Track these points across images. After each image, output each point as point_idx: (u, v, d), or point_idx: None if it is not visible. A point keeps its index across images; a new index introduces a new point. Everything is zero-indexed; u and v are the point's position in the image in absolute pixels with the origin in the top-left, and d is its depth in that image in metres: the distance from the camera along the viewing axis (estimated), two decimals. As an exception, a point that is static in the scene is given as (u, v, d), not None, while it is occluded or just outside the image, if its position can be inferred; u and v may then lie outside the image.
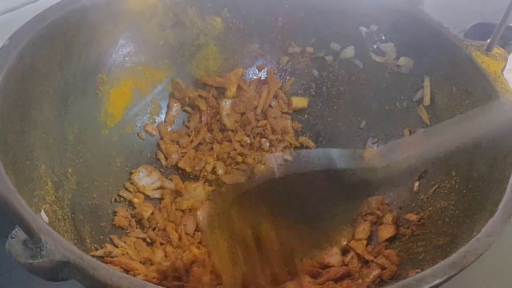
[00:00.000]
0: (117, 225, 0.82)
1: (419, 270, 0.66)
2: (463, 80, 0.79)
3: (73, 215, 0.73)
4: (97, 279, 0.50)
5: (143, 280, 0.53)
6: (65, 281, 0.53)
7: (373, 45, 0.92)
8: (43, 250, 0.51)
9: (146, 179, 0.91)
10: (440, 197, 0.77)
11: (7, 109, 0.64)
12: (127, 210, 0.85)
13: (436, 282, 0.52)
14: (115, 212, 0.84)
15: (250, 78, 1.02)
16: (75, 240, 0.70)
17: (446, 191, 0.76)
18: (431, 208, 0.77)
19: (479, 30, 1.18)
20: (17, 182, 0.59)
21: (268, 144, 0.98)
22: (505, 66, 0.77)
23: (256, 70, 1.02)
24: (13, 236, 0.52)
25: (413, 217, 0.78)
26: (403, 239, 0.78)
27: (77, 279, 0.53)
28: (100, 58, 0.83)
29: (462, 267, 0.54)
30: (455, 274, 0.53)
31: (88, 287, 0.56)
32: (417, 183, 0.82)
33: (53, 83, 0.74)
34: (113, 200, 0.85)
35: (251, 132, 0.98)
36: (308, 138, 1.00)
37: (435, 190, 0.79)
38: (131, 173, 0.90)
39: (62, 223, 0.69)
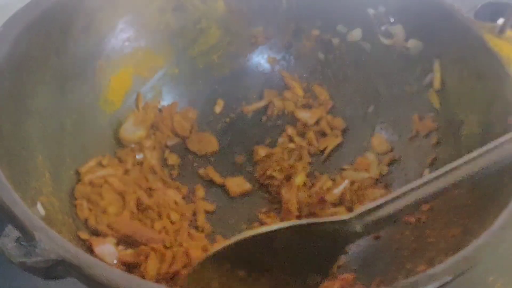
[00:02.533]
0: None
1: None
2: (474, 63, 0.76)
3: (70, 208, 0.72)
4: (93, 278, 0.48)
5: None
6: (61, 279, 0.52)
7: (381, 27, 0.90)
8: (37, 248, 0.49)
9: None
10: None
11: (1, 99, 0.63)
12: None
13: (449, 278, 0.50)
14: None
15: (255, 63, 1.00)
16: (74, 234, 0.69)
17: (457, 180, 0.74)
18: (441, 197, 0.75)
19: (489, 9, 1.15)
20: (11, 174, 0.58)
21: None
22: (519, 48, 0.75)
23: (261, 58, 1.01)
24: (6, 234, 0.51)
25: (423, 206, 0.76)
26: (411, 228, 0.76)
27: (74, 277, 0.51)
28: (99, 44, 0.81)
29: (475, 262, 0.52)
30: (468, 269, 0.51)
31: (86, 285, 0.55)
32: (427, 170, 0.80)
33: (50, 71, 0.73)
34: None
35: None
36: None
37: (445, 178, 0.76)
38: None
39: (60, 216, 0.67)
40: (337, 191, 0.86)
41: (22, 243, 0.50)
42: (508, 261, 0.82)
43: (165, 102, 0.94)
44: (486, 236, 0.54)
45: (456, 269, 0.51)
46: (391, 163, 0.87)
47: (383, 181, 0.86)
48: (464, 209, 0.68)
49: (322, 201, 0.85)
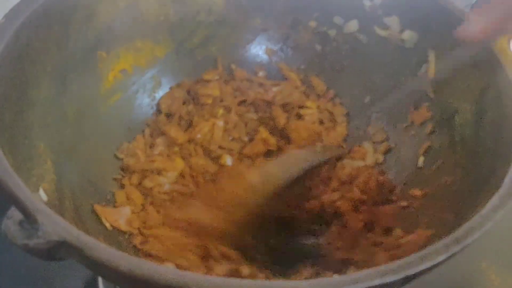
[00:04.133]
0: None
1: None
2: (468, 53, 0.77)
3: (72, 194, 0.73)
4: (94, 259, 0.49)
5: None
6: (63, 260, 0.53)
7: (377, 19, 0.91)
8: (39, 230, 0.50)
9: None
10: (445, 172, 0.76)
11: (3, 89, 0.64)
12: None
13: (441, 258, 0.51)
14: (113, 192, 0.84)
15: (253, 54, 1.01)
16: (76, 220, 0.70)
17: (451, 166, 0.76)
18: (436, 184, 0.76)
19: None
20: (14, 161, 0.59)
21: None
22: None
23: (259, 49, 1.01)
24: (9, 217, 0.52)
25: (417, 192, 0.78)
26: (405, 214, 0.77)
27: (75, 259, 0.52)
28: (99, 35, 0.82)
29: (467, 243, 0.53)
30: (460, 250, 0.52)
31: (87, 267, 0.56)
32: (422, 158, 0.82)
33: (51, 62, 0.73)
34: (112, 178, 0.85)
35: None
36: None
37: (440, 165, 0.78)
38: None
39: (62, 202, 0.68)
40: (349, 170, 0.88)
41: (24, 226, 0.51)
42: (501, 247, 0.84)
43: (164, 92, 0.96)
44: (477, 218, 0.55)
45: (447, 250, 0.52)
46: (386, 151, 0.89)
47: (378, 169, 0.87)
48: (457, 195, 0.69)
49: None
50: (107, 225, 0.76)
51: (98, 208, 0.76)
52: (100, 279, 0.83)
